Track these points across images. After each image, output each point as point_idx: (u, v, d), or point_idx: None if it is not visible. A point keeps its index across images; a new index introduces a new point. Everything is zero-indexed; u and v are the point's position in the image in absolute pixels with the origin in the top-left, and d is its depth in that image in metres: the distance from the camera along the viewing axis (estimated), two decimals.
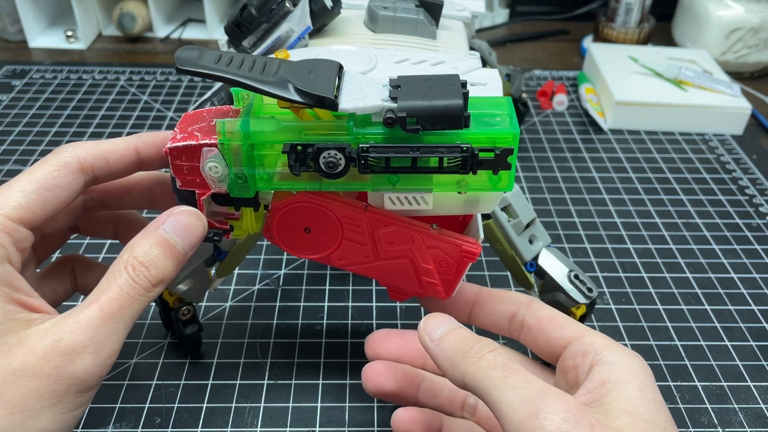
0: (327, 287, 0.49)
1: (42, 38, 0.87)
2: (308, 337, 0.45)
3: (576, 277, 0.40)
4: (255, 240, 0.43)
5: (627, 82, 0.73)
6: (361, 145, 0.28)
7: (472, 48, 0.45)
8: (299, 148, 0.29)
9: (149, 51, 0.86)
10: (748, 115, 0.71)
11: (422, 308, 0.47)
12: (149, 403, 0.40)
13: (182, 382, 0.42)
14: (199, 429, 0.39)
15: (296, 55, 0.39)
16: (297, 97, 0.27)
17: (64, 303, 0.35)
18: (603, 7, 0.91)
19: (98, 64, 0.82)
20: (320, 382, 0.42)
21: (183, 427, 0.39)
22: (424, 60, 0.38)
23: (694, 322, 0.47)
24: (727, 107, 0.70)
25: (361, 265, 0.33)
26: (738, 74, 0.83)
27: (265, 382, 0.42)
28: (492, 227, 0.40)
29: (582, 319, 0.40)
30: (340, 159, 0.29)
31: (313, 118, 0.29)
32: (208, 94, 0.44)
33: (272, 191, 0.32)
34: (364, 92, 0.28)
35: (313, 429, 0.39)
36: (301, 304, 0.48)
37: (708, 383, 0.43)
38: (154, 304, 0.46)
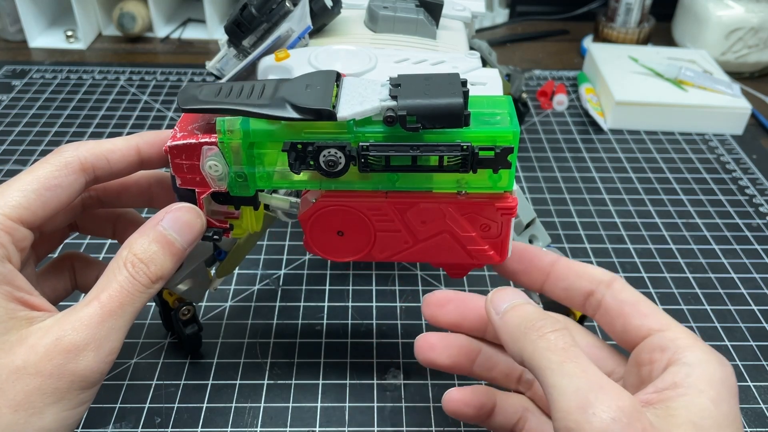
0: (327, 287, 0.49)
1: (42, 38, 0.87)
2: (308, 337, 0.45)
3: None
4: (255, 239, 0.43)
5: (627, 82, 0.73)
6: (361, 144, 0.28)
7: (472, 48, 0.45)
8: (299, 146, 0.29)
9: (149, 51, 0.86)
10: (748, 115, 0.71)
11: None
12: (149, 403, 0.40)
13: (182, 382, 0.42)
14: (199, 429, 0.39)
15: (296, 54, 0.39)
16: (295, 115, 0.27)
17: (64, 301, 0.35)
18: (603, 7, 0.91)
19: (98, 64, 0.82)
20: (320, 382, 0.42)
21: (183, 427, 0.39)
22: (424, 60, 0.38)
23: (694, 322, 0.47)
24: (727, 107, 0.70)
25: (404, 252, 0.33)
26: (738, 74, 0.83)
27: (265, 382, 0.42)
28: None
29: (582, 320, 0.40)
30: (340, 157, 0.29)
31: None
32: None
33: (290, 202, 0.32)
34: (362, 96, 0.28)
35: (313, 429, 0.39)
36: (301, 304, 0.48)
37: None
38: (154, 304, 0.46)
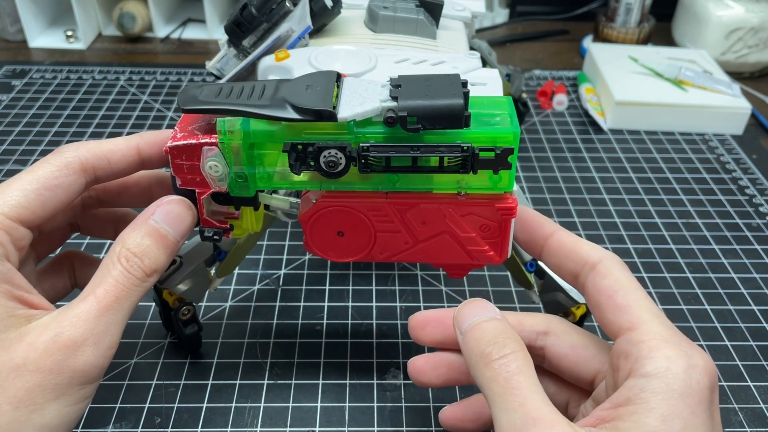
0: (327, 287, 0.49)
1: (42, 38, 0.87)
2: (308, 337, 0.45)
3: None
4: (255, 240, 0.43)
5: (627, 82, 0.73)
6: (361, 145, 0.28)
7: (472, 48, 0.45)
8: (300, 147, 0.29)
9: (149, 51, 0.86)
10: (748, 115, 0.71)
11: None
12: (149, 403, 0.40)
13: (182, 382, 0.42)
14: (199, 429, 0.39)
15: (296, 54, 0.39)
16: (295, 115, 0.27)
17: (63, 299, 0.35)
18: (603, 7, 0.91)
19: (98, 64, 0.82)
20: (320, 382, 0.42)
21: (183, 427, 0.39)
22: (424, 60, 0.38)
23: (694, 322, 0.47)
24: (727, 107, 0.70)
25: (405, 253, 0.33)
26: (738, 74, 0.83)
27: (265, 382, 0.42)
28: None
29: (582, 319, 0.40)
30: (341, 158, 0.29)
31: None
32: None
33: (290, 203, 0.32)
34: (362, 97, 0.28)
35: (313, 429, 0.39)
36: (301, 304, 0.48)
37: None
38: (154, 304, 0.46)
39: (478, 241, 0.32)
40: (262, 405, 0.40)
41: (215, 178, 0.30)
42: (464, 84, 0.28)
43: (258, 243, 0.52)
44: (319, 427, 0.39)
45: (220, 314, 0.47)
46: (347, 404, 0.41)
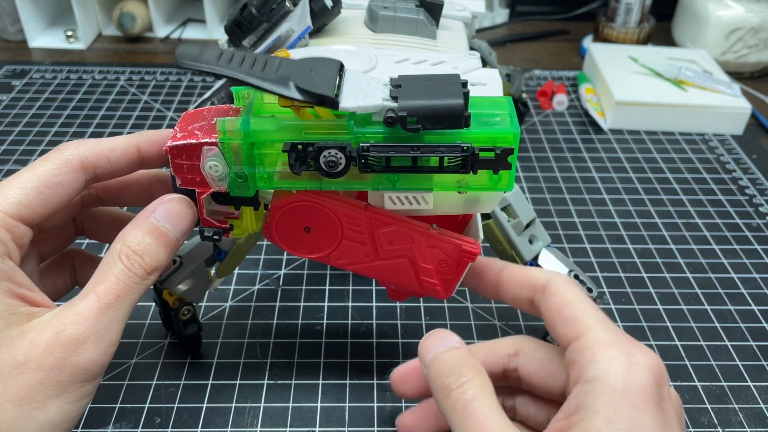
0: (327, 287, 0.49)
1: (42, 38, 0.87)
2: (308, 337, 0.45)
3: (576, 277, 0.40)
4: (255, 239, 0.43)
5: (627, 82, 0.73)
6: (361, 144, 0.28)
7: (472, 48, 0.45)
8: (300, 147, 0.29)
9: (149, 51, 0.86)
10: (748, 115, 0.71)
11: (423, 315, 0.47)
12: (149, 403, 0.40)
13: (182, 382, 0.42)
14: (199, 429, 0.39)
15: (296, 54, 0.38)
16: (298, 95, 0.27)
17: (64, 297, 0.35)
18: (603, 7, 0.91)
19: (98, 64, 0.82)
20: (320, 382, 0.42)
21: (183, 427, 0.39)
22: (424, 60, 0.38)
23: (694, 322, 0.47)
24: (727, 107, 0.70)
25: (361, 265, 0.33)
26: (738, 74, 0.83)
27: (265, 382, 0.42)
28: (492, 227, 0.40)
29: None
30: (341, 158, 0.29)
31: (314, 117, 0.29)
32: (208, 93, 0.43)
33: (272, 190, 0.32)
34: (364, 91, 0.28)
35: (313, 429, 0.39)
36: (301, 304, 0.48)
37: (708, 383, 0.43)
38: (154, 304, 0.46)
39: (432, 273, 0.33)
40: (262, 405, 0.40)
41: (215, 177, 0.30)
42: (464, 84, 0.28)
43: (258, 243, 0.52)
44: (319, 427, 0.39)
45: (220, 314, 0.47)
46: (347, 404, 0.41)
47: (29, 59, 0.83)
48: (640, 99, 0.71)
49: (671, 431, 0.26)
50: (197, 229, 0.32)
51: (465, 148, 0.28)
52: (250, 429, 0.39)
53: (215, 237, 0.33)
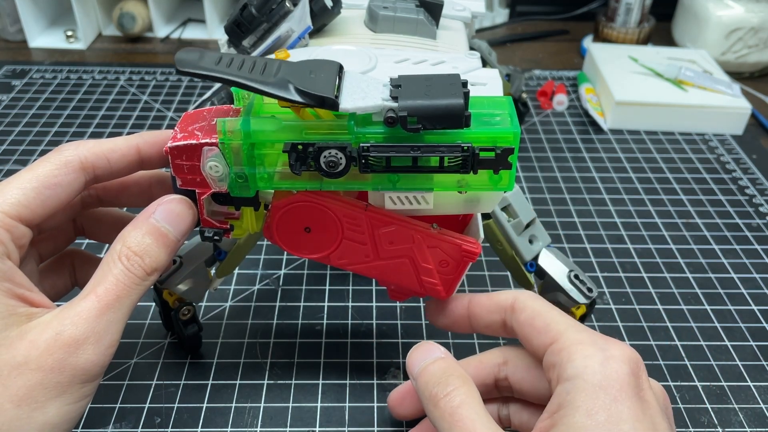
0: (327, 287, 0.49)
1: (42, 38, 0.87)
2: (308, 337, 0.45)
3: (576, 277, 0.40)
4: (255, 240, 0.43)
5: (627, 82, 0.73)
6: (361, 145, 0.28)
7: (472, 48, 0.45)
8: (300, 147, 0.29)
9: (149, 51, 0.86)
10: (748, 115, 0.71)
11: (424, 320, 0.47)
12: (149, 403, 0.40)
13: (182, 382, 0.42)
14: (199, 429, 0.39)
15: (296, 54, 0.38)
16: (298, 98, 0.27)
17: (64, 297, 0.35)
18: (603, 7, 0.91)
19: (98, 64, 0.82)
20: (320, 382, 0.42)
21: (183, 427, 0.39)
22: (424, 60, 0.38)
23: (694, 322, 0.47)
24: (727, 107, 0.70)
25: (361, 265, 0.33)
26: (738, 74, 0.83)
27: (265, 382, 0.42)
28: (492, 227, 0.40)
29: (582, 319, 0.40)
30: (341, 158, 0.29)
31: (314, 118, 0.29)
32: (209, 93, 0.44)
33: (272, 191, 0.32)
34: (364, 92, 0.28)
35: (313, 429, 0.39)
36: (301, 304, 0.48)
37: (708, 383, 0.43)
38: (154, 304, 0.46)
39: (433, 273, 0.33)
40: (262, 405, 0.40)
41: (215, 178, 0.30)
42: (464, 84, 0.28)
43: (258, 243, 0.52)
44: (319, 427, 0.39)
45: (220, 314, 0.47)
46: (347, 404, 0.41)
47: (29, 59, 0.83)
48: (640, 99, 0.71)
49: (651, 419, 0.27)
50: (197, 229, 0.32)
51: (465, 147, 0.28)
52: (250, 429, 0.39)
53: (215, 237, 0.33)
